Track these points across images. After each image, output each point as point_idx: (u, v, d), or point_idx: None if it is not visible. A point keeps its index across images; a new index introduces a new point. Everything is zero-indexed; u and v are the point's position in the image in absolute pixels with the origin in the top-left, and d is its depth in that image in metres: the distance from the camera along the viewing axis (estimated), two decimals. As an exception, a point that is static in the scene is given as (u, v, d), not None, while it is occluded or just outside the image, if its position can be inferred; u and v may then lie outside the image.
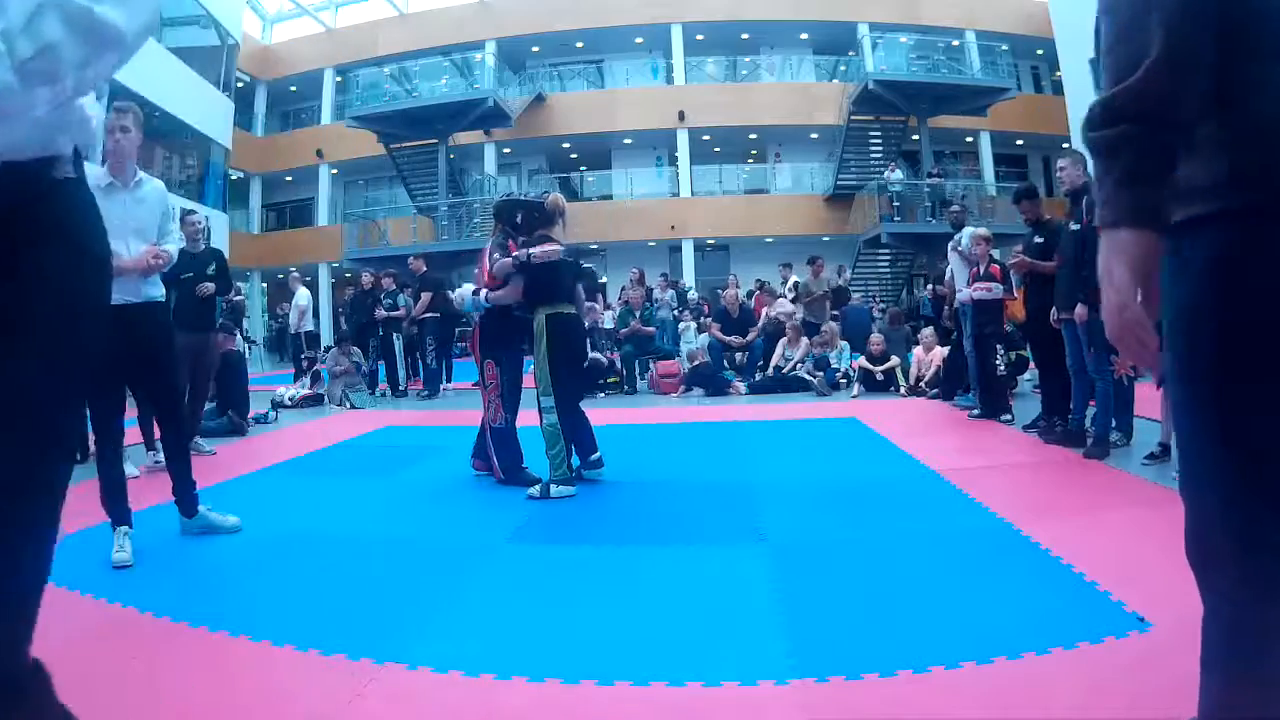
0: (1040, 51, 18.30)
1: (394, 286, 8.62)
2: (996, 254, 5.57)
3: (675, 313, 10.36)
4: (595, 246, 17.58)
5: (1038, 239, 4.58)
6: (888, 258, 16.99)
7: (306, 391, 7.69)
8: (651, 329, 8.51)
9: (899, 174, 16.19)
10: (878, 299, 14.80)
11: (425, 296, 8.26)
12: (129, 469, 3.71)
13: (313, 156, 20.33)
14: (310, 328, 10.49)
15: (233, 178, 19.84)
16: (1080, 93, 15.43)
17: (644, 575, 2.44)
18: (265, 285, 21.79)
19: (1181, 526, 0.91)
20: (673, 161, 19.47)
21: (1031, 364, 5.83)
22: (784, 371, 7.63)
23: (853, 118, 16.84)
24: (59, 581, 2.27)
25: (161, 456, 3.33)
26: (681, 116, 18.50)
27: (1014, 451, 4.32)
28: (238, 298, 7.57)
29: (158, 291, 2.95)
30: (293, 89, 21.43)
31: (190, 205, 13.92)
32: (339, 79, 20.11)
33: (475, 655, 1.84)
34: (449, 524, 3.20)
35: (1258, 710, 0.82)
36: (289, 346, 12.28)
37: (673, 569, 2.47)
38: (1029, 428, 4.79)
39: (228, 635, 2.00)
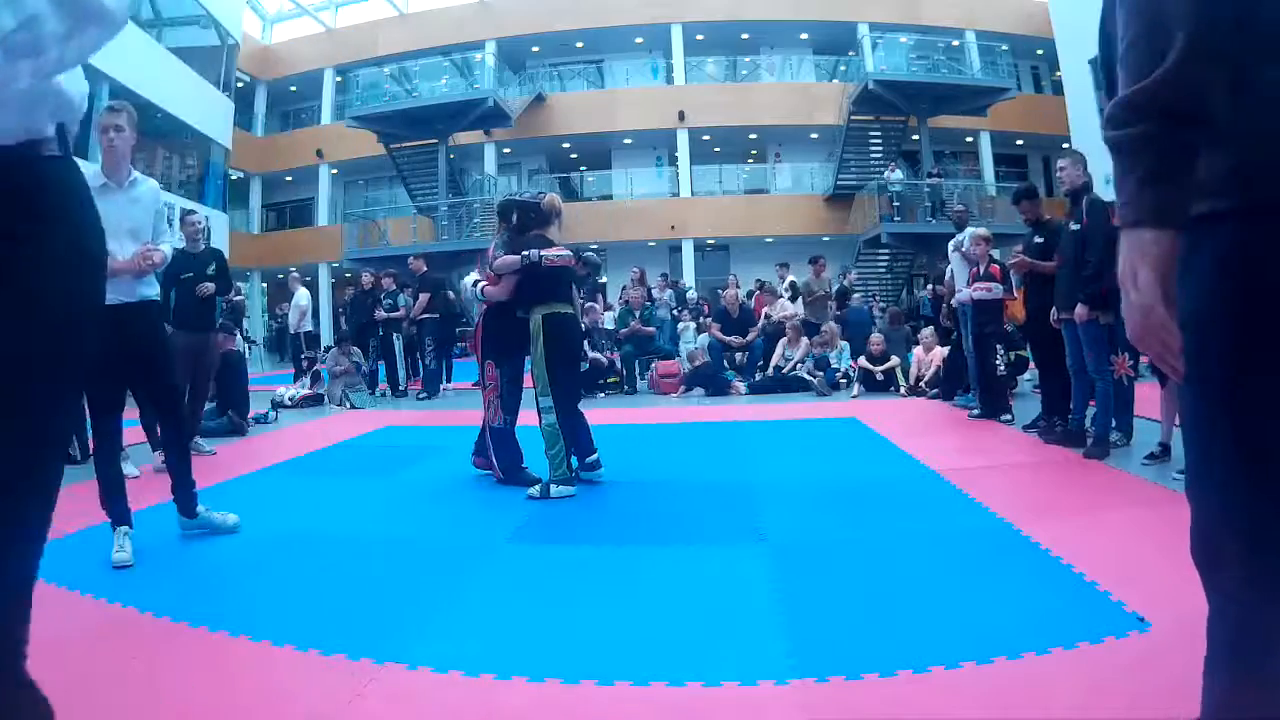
0: (1040, 51, 18.30)
1: (394, 287, 8.62)
2: (996, 254, 5.57)
3: (675, 312, 10.35)
4: (595, 246, 17.57)
5: (1038, 239, 4.58)
6: (887, 258, 16.98)
7: (306, 391, 7.69)
8: (651, 329, 8.51)
9: (899, 174, 16.18)
10: (878, 299, 14.80)
11: (424, 297, 8.26)
12: (129, 469, 3.72)
13: (313, 156, 20.33)
14: (310, 328, 10.49)
15: (233, 178, 19.84)
16: (1080, 93, 15.42)
17: (644, 575, 2.44)
18: (265, 285, 21.78)
19: (1182, 526, 0.91)
20: (673, 161, 19.47)
21: (1031, 364, 5.83)
22: (784, 371, 7.64)
23: (853, 118, 16.83)
24: (59, 581, 2.29)
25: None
26: (681, 116, 18.50)
27: (1014, 451, 4.32)
28: (238, 298, 7.56)
29: (152, 291, 2.95)
30: (293, 89, 21.42)
31: (190, 205, 13.93)
32: (339, 79, 20.10)
33: (475, 655, 1.84)
34: (449, 524, 3.20)
35: (1261, 710, 0.82)
36: (289, 346, 12.28)
37: (673, 569, 2.47)
38: (1029, 428, 4.79)
39: (228, 635, 2.00)
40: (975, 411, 5.51)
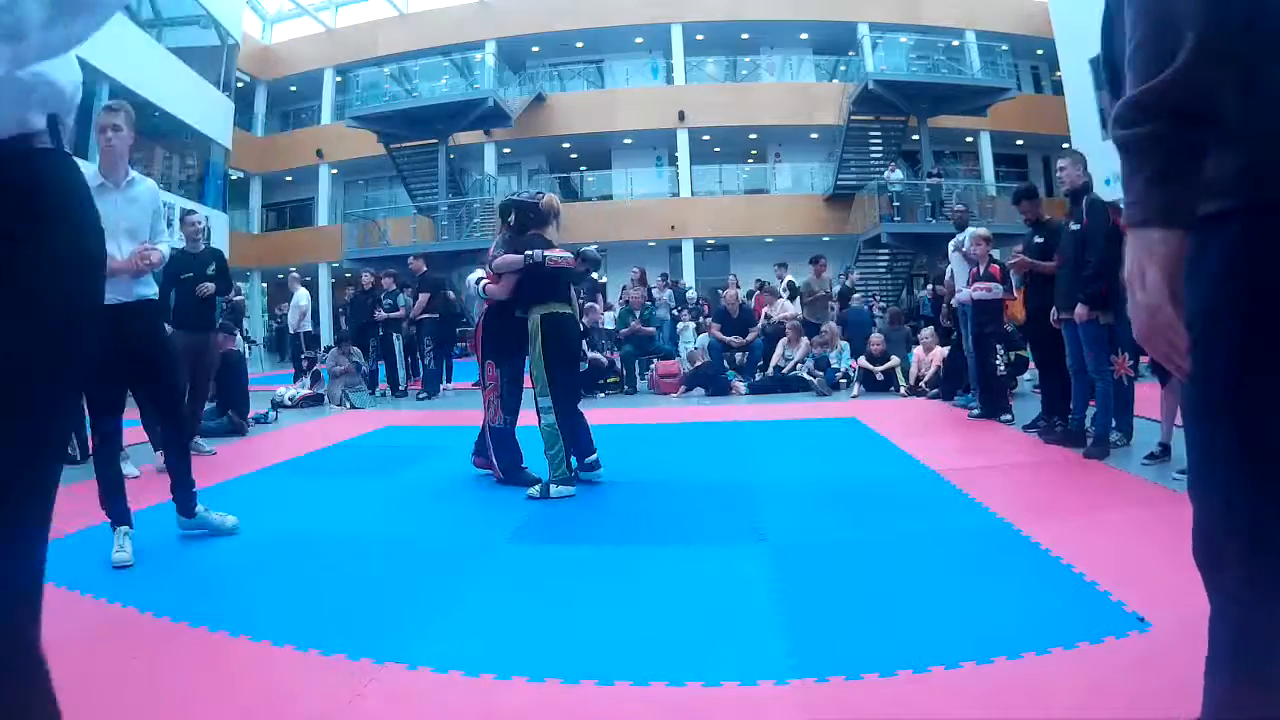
0: (1040, 51, 18.30)
1: (394, 287, 8.62)
2: (996, 254, 5.57)
3: (674, 312, 10.35)
4: (595, 246, 17.54)
5: (1038, 239, 4.58)
6: (887, 258, 16.99)
7: (306, 391, 7.69)
8: (651, 329, 8.51)
9: (899, 174, 16.19)
10: (878, 299, 14.80)
11: (423, 297, 8.25)
12: (129, 469, 3.72)
13: (313, 156, 20.33)
14: (309, 328, 10.49)
15: (233, 178, 19.84)
16: (1080, 93, 15.43)
17: (644, 575, 2.44)
18: (265, 285, 21.79)
19: (1182, 526, 0.91)
20: (673, 161, 19.48)
21: (1031, 364, 5.83)
22: (784, 371, 7.64)
23: (853, 118, 16.83)
24: (59, 581, 2.28)
25: None
26: (681, 116, 18.50)
27: (1014, 451, 4.32)
28: (238, 298, 7.56)
29: (150, 291, 2.94)
30: (293, 89, 21.42)
31: (190, 205, 13.93)
32: (339, 79, 20.10)
33: (475, 655, 1.84)
34: (449, 524, 3.20)
35: (1263, 711, 0.82)
36: (288, 346, 12.28)
37: (673, 569, 2.47)
38: (1029, 428, 4.79)
39: (228, 635, 2.00)
40: (975, 411, 5.51)
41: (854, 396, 6.99)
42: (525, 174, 20.33)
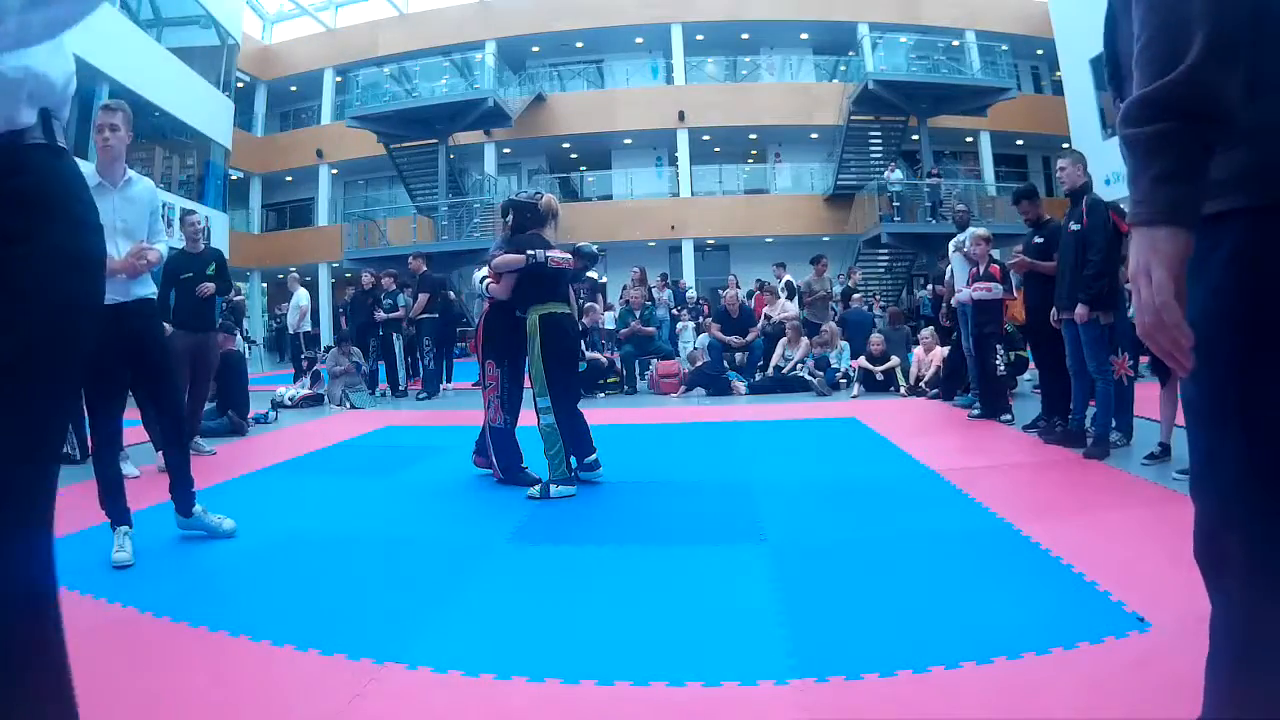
0: (1040, 51, 18.31)
1: (394, 287, 8.62)
2: (996, 254, 5.57)
3: (673, 311, 10.35)
4: (596, 247, 17.54)
5: (1038, 239, 4.58)
6: (887, 258, 17.00)
7: (306, 391, 7.69)
8: (651, 329, 8.51)
9: (899, 174, 16.19)
10: (878, 299, 14.81)
11: (423, 297, 8.25)
12: (129, 469, 3.72)
13: (313, 156, 20.34)
14: (309, 328, 10.50)
15: (233, 178, 19.86)
16: (1080, 93, 15.45)
17: (644, 575, 2.43)
18: (265, 285, 21.79)
19: (1182, 526, 0.91)
20: (673, 161, 19.48)
21: (1031, 364, 5.83)
22: (784, 371, 7.64)
23: (853, 118, 16.84)
24: (59, 581, 2.28)
25: None
26: (681, 116, 18.51)
27: (1014, 451, 4.32)
28: (237, 298, 7.57)
29: (147, 290, 2.94)
30: (293, 89, 21.43)
31: (190, 205, 13.95)
32: (339, 79, 20.13)
33: (475, 655, 1.84)
34: (449, 524, 3.20)
35: (1264, 711, 0.82)
36: (288, 347, 12.28)
37: (673, 569, 2.47)
38: (1029, 428, 4.79)
39: (228, 635, 2.00)
40: (975, 411, 5.51)
41: (854, 396, 6.98)
42: (525, 174, 20.34)
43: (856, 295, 10.78)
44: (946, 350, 6.65)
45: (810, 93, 18.78)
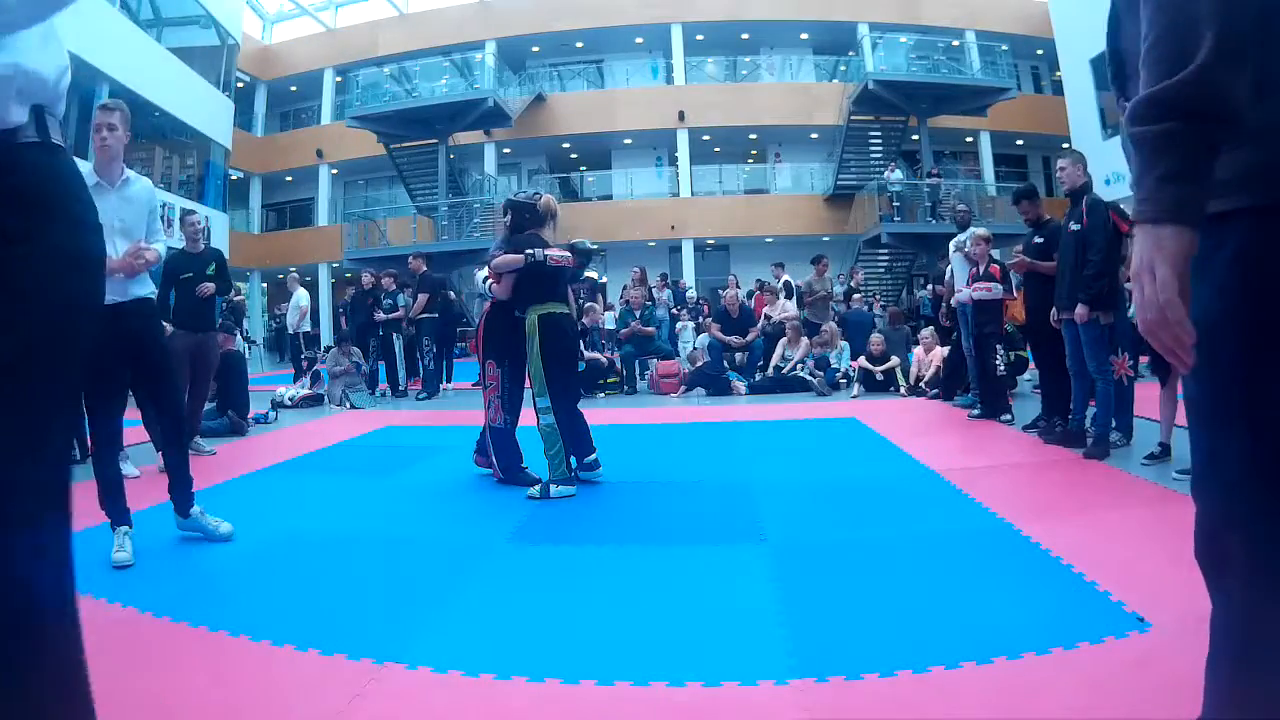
0: (1040, 51, 18.31)
1: (394, 287, 8.62)
2: (996, 254, 5.57)
3: (672, 310, 10.34)
4: (596, 247, 17.52)
5: (1038, 239, 4.58)
6: (887, 258, 17.00)
7: (306, 391, 7.69)
8: (651, 329, 8.51)
9: (899, 174, 16.19)
10: (878, 299, 14.81)
11: (422, 297, 8.24)
12: (129, 469, 3.72)
13: (313, 156, 20.34)
14: (308, 328, 10.49)
15: (233, 178, 19.86)
16: (1080, 93, 15.45)
17: (644, 575, 2.44)
18: (265, 285, 21.79)
19: (1182, 526, 0.91)
20: (673, 161, 19.48)
21: (1031, 364, 5.83)
22: (784, 371, 7.64)
23: (853, 118, 16.84)
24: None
25: None
26: (681, 116, 18.51)
27: (1014, 451, 4.32)
28: (238, 298, 7.56)
29: (146, 290, 2.93)
30: (293, 89, 21.43)
31: (190, 205, 13.95)
32: (339, 79, 20.12)
33: (475, 655, 1.84)
34: (449, 524, 3.20)
35: (1265, 711, 0.82)
36: (288, 347, 12.28)
37: (673, 569, 2.47)
38: (1029, 428, 4.79)
39: (228, 635, 2.00)
40: (975, 411, 5.51)
41: (854, 396, 6.98)
42: (525, 174, 20.34)
43: (857, 296, 10.78)
44: (946, 350, 6.65)
45: (810, 93, 18.77)
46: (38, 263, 0.81)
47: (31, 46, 0.82)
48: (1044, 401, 4.77)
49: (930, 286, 9.44)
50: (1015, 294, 5.39)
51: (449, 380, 8.74)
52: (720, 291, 9.86)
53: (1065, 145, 13.75)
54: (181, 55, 16.09)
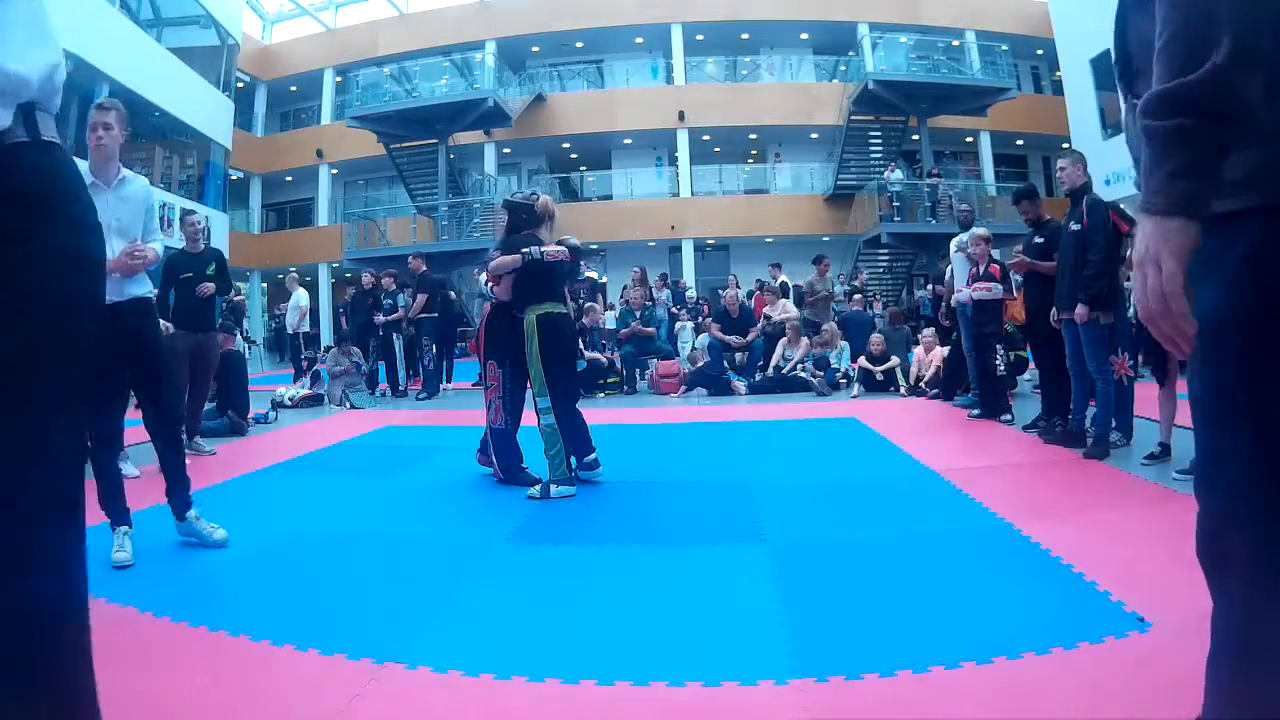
0: (1040, 51, 18.31)
1: (394, 287, 8.62)
2: (996, 254, 5.57)
3: (672, 310, 10.34)
4: (595, 246, 17.56)
5: (1038, 239, 4.58)
6: (887, 258, 17.00)
7: (306, 391, 7.69)
8: (651, 329, 8.51)
9: (899, 174, 16.19)
10: (878, 299, 14.81)
11: (421, 298, 8.24)
12: (129, 469, 3.71)
13: (313, 156, 20.33)
14: (308, 328, 10.49)
15: (233, 178, 19.85)
16: (1080, 93, 15.45)
17: (644, 575, 2.44)
18: (265, 285, 21.79)
19: (1182, 526, 0.91)
20: (673, 161, 19.47)
21: (1031, 364, 5.83)
22: (784, 371, 7.64)
23: (853, 118, 16.84)
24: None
25: None
26: (681, 116, 18.50)
27: (1014, 451, 4.32)
28: (238, 298, 7.57)
29: (143, 290, 2.92)
30: (293, 89, 21.43)
31: (190, 205, 13.95)
32: (339, 79, 20.12)
33: (475, 655, 1.84)
34: (449, 524, 3.20)
35: (1265, 711, 0.82)
36: (287, 347, 12.28)
37: (673, 569, 2.47)
38: (1029, 428, 4.79)
39: (228, 635, 2.00)
40: (975, 412, 5.51)
41: (854, 396, 6.98)
42: (525, 174, 20.33)
43: (857, 296, 10.78)
44: (946, 350, 6.65)
45: (810, 93, 18.77)
46: (37, 263, 0.80)
47: (13, 48, 0.81)
48: (1044, 401, 4.78)
49: (930, 286, 9.44)
50: (1015, 294, 5.39)
51: (449, 380, 8.75)
52: (720, 291, 9.86)
53: (1065, 145, 13.75)
54: (181, 55, 16.09)
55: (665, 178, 19.94)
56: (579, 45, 19.87)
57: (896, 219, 15.65)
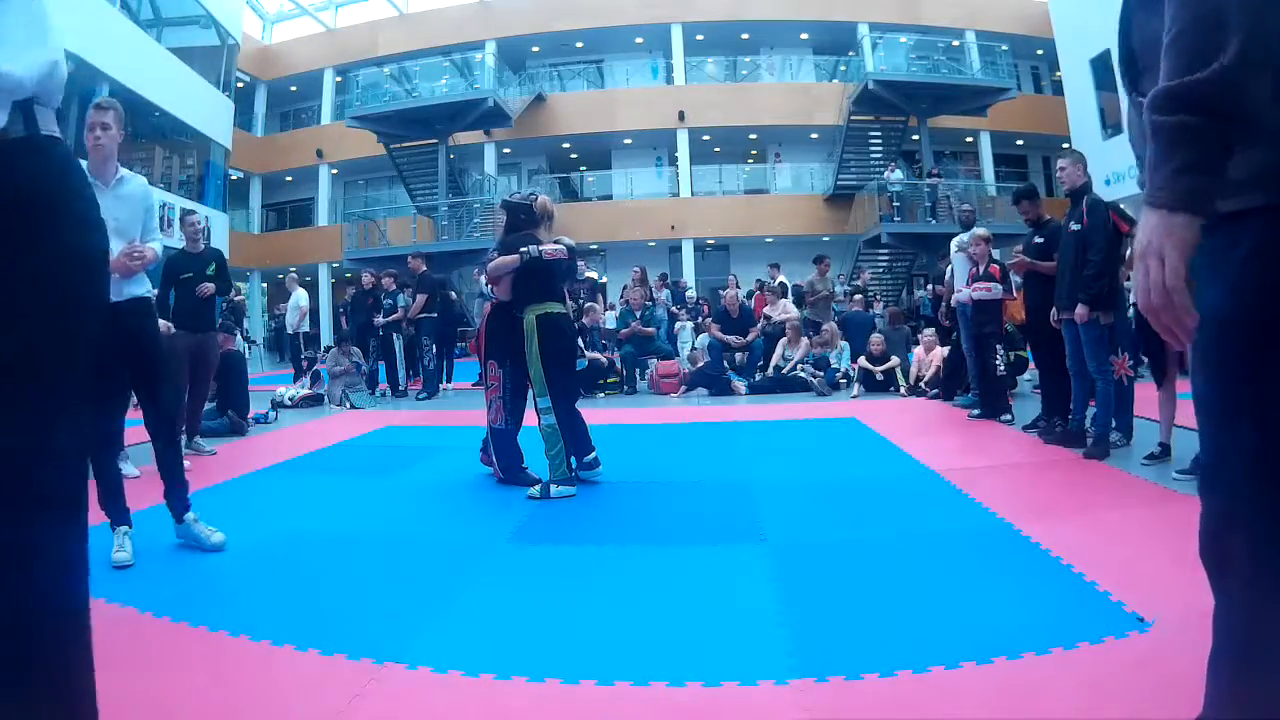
0: (1040, 51, 18.31)
1: (394, 287, 8.62)
2: (996, 254, 5.57)
3: (672, 310, 10.34)
4: (595, 246, 17.57)
5: (1038, 239, 4.58)
6: (887, 258, 17.00)
7: (306, 391, 7.69)
8: (651, 330, 8.51)
9: (899, 174, 16.19)
10: (878, 299, 14.81)
11: (421, 298, 8.24)
12: (129, 469, 3.71)
13: (313, 156, 20.33)
14: (307, 328, 10.49)
15: (233, 178, 19.85)
16: (1080, 93, 15.44)
17: (644, 575, 2.43)
18: (265, 285, 21.79)
19: (1181, 526, 0.91)
20: (673, 161, 19.48)
21: (1031, 364, 5.83)
22: (784, 371, 7.64)
23: (853, 118, 16.84)
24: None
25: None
26: (681, 116, 18.51)
27: (1014, 451, 4.32)
28: (238, 298, 7.56)
29: (142, 289, 2.91)
30: (293, 89, 21.43)
31: (190, 205, 13.95)
32: (339, 79, 20.12)
33: (475, 655, 1.84)
34: (449, 524, 3.20)
35: (1266, 710, 0.82)
36: (287, 346, 12.28)
37: (673, 569, 2.47)
38: (1029, 428, 4.79)
39: (228, 635, 2.00)
40: (975, 412, 5.51)
41: (854, 396, 6.98)
42: (525, 174, 20.34)
43: (857, 296, 10.78)
44: (946, 350, 6.65)
45: (810, 93, 18.78)
46: (38, 261, 0.79)
47: (9, 45, 0.80)
48: (1044, 401, 4.77)
49: (930, 286, 9.44)
50: (1015, 294, 5.39)
51: (449, 380, 8.75)
52: (720, 291, 9.86)
53: (1065, 145, 13.74)
54: (181, 55, 16.09)
55: (665, 178, 19.94)
56: (579, 45, 19.87)
57: (896, 219, 15.65)
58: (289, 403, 7.41)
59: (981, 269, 5.32)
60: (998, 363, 5.34)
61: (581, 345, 7.15)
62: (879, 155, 17.34)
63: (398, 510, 3.45)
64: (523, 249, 3.59)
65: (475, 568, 2.57)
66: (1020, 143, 19.65)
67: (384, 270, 8.94)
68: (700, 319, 10.08)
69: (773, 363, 7.84)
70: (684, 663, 1.76)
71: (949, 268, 6.26)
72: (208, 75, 17.26)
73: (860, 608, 2.10)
